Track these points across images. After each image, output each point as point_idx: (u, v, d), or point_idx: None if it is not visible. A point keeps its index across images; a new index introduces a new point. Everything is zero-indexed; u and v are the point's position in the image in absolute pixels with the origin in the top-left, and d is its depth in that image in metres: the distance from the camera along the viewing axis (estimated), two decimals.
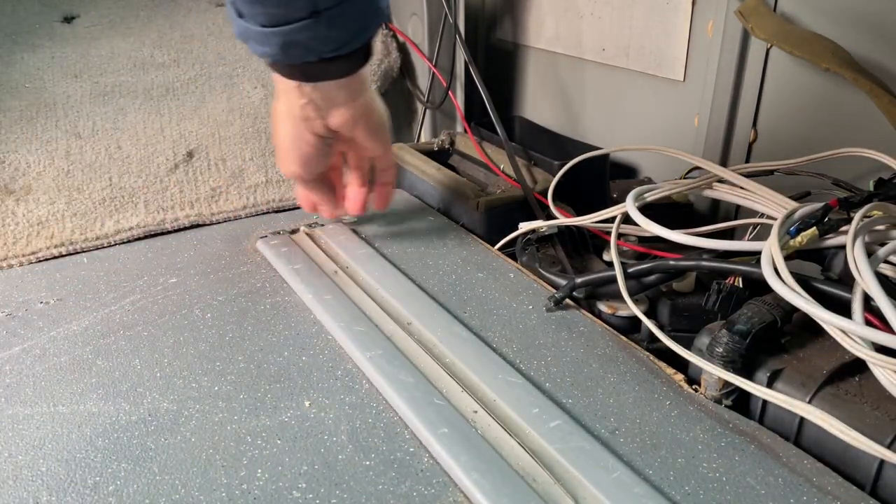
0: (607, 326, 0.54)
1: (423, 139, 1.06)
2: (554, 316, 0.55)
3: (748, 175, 0.60)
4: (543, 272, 0.61)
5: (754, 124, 0.72)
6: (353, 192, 0.65)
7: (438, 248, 0.66)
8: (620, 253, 0.57)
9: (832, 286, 0.45)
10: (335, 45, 0.49)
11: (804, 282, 0.44)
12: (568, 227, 0.65)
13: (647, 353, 0.50)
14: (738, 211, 0.73)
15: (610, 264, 0.55)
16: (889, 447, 0.38)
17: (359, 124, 0.56)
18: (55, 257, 0.65)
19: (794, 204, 0.54)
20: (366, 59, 0.53)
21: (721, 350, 0.44)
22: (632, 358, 0.50)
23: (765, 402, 0.45)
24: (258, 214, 0.75)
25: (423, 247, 0.66)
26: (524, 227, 0.65)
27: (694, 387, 0.47)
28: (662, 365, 0.49)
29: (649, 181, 0.80)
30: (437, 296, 0.57)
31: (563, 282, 0.58)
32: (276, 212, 0.76)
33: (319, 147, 0.57)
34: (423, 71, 1.02)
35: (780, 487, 0.38)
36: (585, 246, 0.68)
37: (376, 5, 0.51)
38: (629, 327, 0.57)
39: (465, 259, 0.64)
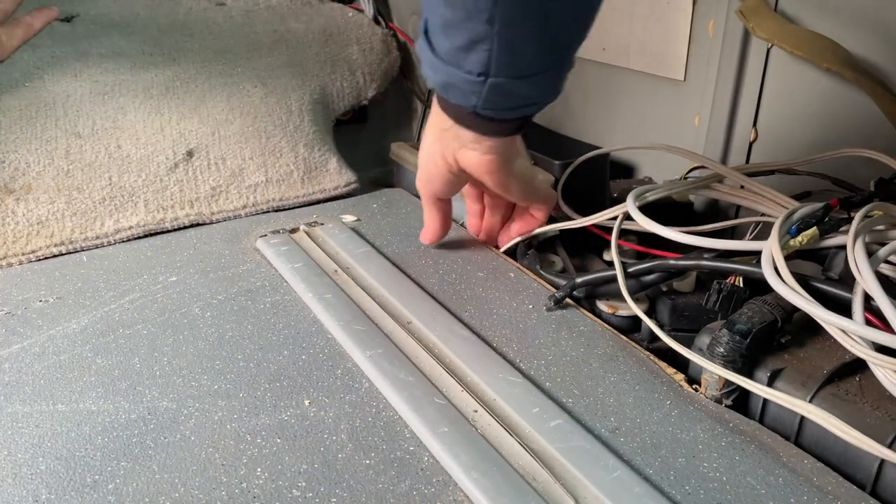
0: (607, 326, 0.54)
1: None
2: (554, 315, 0.55)
3: (748, 175, 0.60)
4: (545, 273, 0.61)
5: (755, 124, 0.72)
6: (486, 223, 0.65)
7: (438, 248, 0.66)
8: (621, 252, 0.57)
9: (832, 286, 0.45)
10: (493, 108, 0.47)
11: (804, 281, 0.44)
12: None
13: (648, 353, 0.50)
14: (738, 211, 0.73)
15: (610, 264, 0.55)
16: (889, 447, 0.38)
17: (486, 173, 0.54)
18: (55, 256, 0.65)
19: (794, 203, 0.54)
20: (517, 131, 0.52)
21: (722, 349, 0.44)
22: (632, 357, 0.50)
23: (765, 402, 0.45)
24: (258, 213, 0.75)
25: (424, 246, 0.66)
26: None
27: (694, 386, 0.47)
28: (663, 365, 0.49)
29: (649, 181, 0.80)
30: (438, 295, 0.57)
31: (564, 282, 0.58)
32: (276, 210, 0.76)
33: (447, 176, 0.56)
34: None
35: (781, 487, 0.38)
36: (586, 246, 0.68)
37: (550, 88, 0.49)
38: (629, 327, 0.57)
39: (466, 258, 0.64)
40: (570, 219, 0.63)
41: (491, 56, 0.43)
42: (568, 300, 0.57)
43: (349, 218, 0.71)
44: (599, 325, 0.54)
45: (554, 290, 0.58)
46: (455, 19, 0.42)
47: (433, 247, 0.66)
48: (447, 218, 0.64)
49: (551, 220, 0.66)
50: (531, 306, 0.56)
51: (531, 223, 0.63)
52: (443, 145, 0.54)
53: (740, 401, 0.46)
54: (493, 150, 0.52)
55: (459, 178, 0.57)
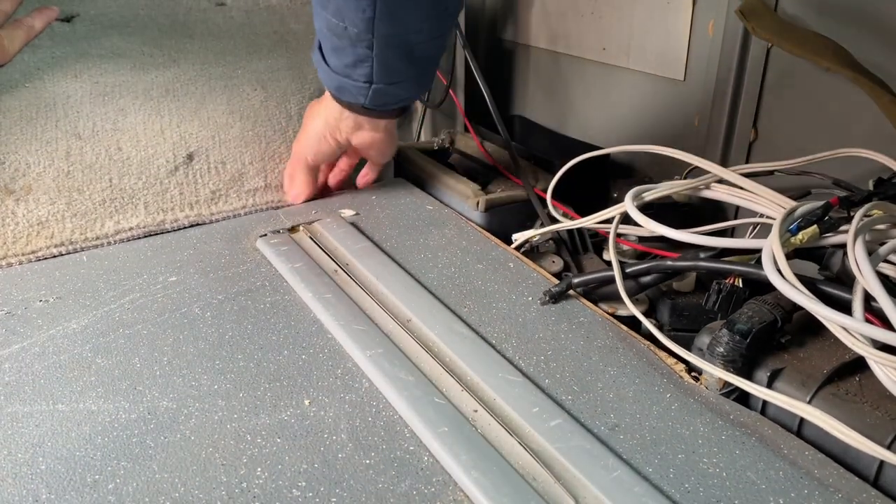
0: (607, 315, 0.54)
1: (422, 138, 1.06)
2: (553, 307, 0.55)
3: (748, 175, 0.60)
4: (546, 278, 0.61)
5: (754, 124, 0.72)
6: (341, 176, 0.78)
7: (437, 240, 0.66)
8: (620, 252, 0.57)
9: (833, 286, 0.45)
10: (377, 104, 0.63)
11: (805, 281, 0.44)
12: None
13: (648, 343, 0.50)
14: (737, 212, 0.73)
15: (609, 264, 0.55)
16: (889, 447, 0.38)
17: (374, 146, 0.71)
18: (55, 256, 0.65)
19: (793, 204, 0.54)
20: (399, 115, 0.68)
21: (722, 350, 0.44)
22: (632, 349, 0.50)
23: (765, 403, 0.45)
24: (258, 211, 0.75)
25: (422, 238, 0.66)
26: (519, 237, 0.65)
27: (693, 374, 0.47)
28: (663, 355, 0.49)
29: (649, 181, 0.80)
30: (437, 290, 0.57)
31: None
32: (275, 208, 0.76)
33: (335, 150, 0.71)
34: None
35: (781, 482, 0.38)
36: (585, 246, 0.68)
37: (416, 89, 0.66)
38: (629, 327, 0.57)
39: (465, 250, 0.64)
40: (568, 219, 0.63)
41: (372, 70, 0.59)
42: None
43: (348, 212, 0.71)
44: (600, 316, 0.54)
45: (556, 280, 0.58)
46: (342, 45, 0.58)
47: (432, 238, 0.66)
48: (316, 180, 0.76)
49: (552, 220, 0.66)
50: (530, 298, 0.56)
51: (376, 170, 0.78)
52: (334, 128, 0.68)
53: (741, 400, 0.46)
54: (382, 130, 0.69)
55: (343, 150, 0.72)
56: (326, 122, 0.68)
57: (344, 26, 0.56)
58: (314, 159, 0.72)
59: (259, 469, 0.40)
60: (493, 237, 0.66)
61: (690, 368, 0.47)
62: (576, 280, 0.56)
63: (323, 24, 0.58)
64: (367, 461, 0.41)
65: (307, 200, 0.75)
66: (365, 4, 0.53)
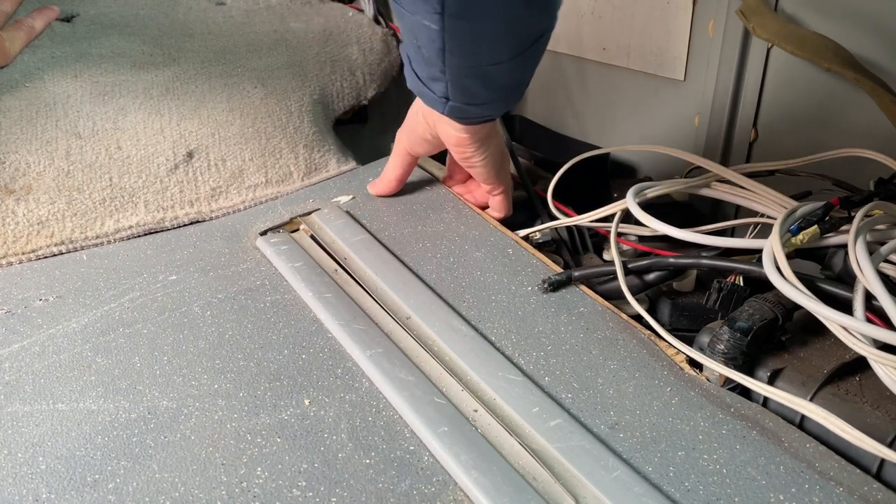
0: (608, 304, 0.54)
1: None
2: (553, 297, 0.55)
3: (748, 175, 0.60)
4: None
5: (755, 124, 0.72)
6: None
7: (435, 226, 0.65)
8: (620, 252, 0.57)
9: (833, 285, 0.45)
10: (457, 118, 0.58)
11: (806, 280, 0.44)
12: (567, 226, 0.65)
13: (649, 333, 0.50)
14: (738, 211, 0.73)
15: (609, 263, 0.55)
16: (890, 446, 0.38)
17: (456, 148, 0.63)
18: (55, 255, 0.65)
19: (794, 203, 0.54)
20: (483, 122, 0.61)
21: (722, 347, 0.44)
22: (633, 339, 0.50)
23: (766, 400, 0.45)
24: (257, 205, 0.75)
25: (420, 225, 0.66)
26: (519, 234, 0.65)
27: (694, 369, 0.47)
28: (663, 345, 0.49)
29: (649, 181, 0.80)
30: (435, 284, 0.57)
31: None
32: (273, 199, 0.75)
33: (424, 134, 0.64)
34: None
35: (782, 476, 0.38)
36: (585, 246, 0.68)
37: (501, 109, 0.59)
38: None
39: (463, 236, 0.64)
40: (567, 217, 0.63)
41: (448, 90, 0.54)
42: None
43: (344, 198, 0.71)
44: (600, 305, 0.54)
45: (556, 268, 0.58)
46: (422, 60, 0.54)
47: (430, 225, 0.65)
48: (405, 174, 0.70)
49: (551, 218, 0.66)
50: (529, 288, 0.56)
51: (491, 212, 0.68)
52: (426, 111, 0.62)
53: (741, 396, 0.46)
54: (465, 130, 0.60)
55: (435, 142, 0.65)
56: (418, 105, 0.64)
57: (418, 45, 0.52)
58: (409, 140, 0.67)
59: (259, 469, 0.40)
60: (490, 218, 0.66)
61: (691, 361, 0.47)
62: (577, 273, 0.56)
63: (404, 31, 0.54)
64: (367, 461, 0.41)
65: (386, 196, 0.71)
66: (434, 34, 0.49)
